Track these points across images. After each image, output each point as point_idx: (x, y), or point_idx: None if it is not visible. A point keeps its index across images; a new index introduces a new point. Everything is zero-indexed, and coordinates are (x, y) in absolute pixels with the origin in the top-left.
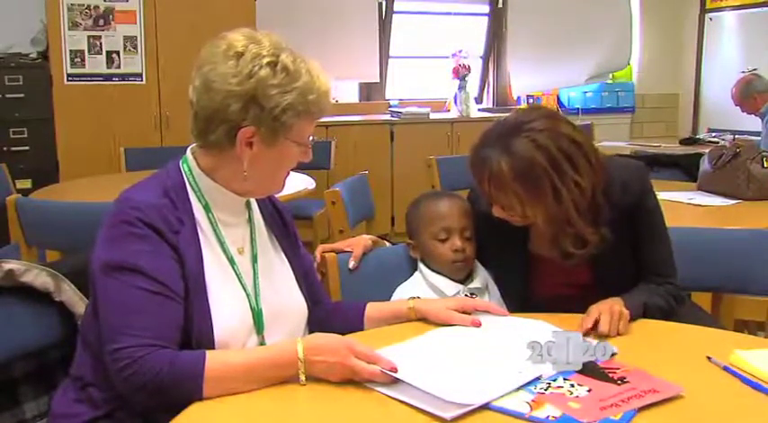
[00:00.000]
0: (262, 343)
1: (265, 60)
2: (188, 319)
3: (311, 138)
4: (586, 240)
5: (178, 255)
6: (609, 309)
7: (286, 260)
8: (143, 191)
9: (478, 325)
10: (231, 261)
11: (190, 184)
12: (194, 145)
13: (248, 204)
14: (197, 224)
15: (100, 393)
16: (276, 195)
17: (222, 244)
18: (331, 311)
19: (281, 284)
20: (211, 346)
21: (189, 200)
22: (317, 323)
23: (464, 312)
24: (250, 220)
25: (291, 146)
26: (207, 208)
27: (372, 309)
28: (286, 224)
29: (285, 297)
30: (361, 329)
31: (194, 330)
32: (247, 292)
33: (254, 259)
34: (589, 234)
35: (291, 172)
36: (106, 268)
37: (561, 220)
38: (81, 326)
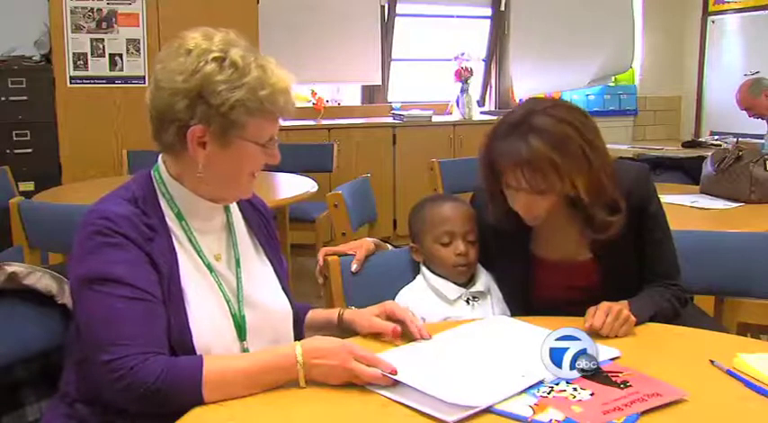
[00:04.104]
0: (245, 350)
1: (212, 56)
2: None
3: (275, 139)
4: (617, 207)
5: (153, 263)
6: (607, 307)
7: (269, 264)
8: (112, 202)
9: (399, 334)
10: (209, 268)
11: (161, 191)
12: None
13: (227, 209)
14: (170, 232)
15: (87, 409)
16: (278, 197)
17: (199, 251)
18: None
19: (265, 289)
20: (191, 354)
21: (160, 208)
22: None
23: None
24: (229, 224)
25: (248, 146)
26: (179, 215)
27: (312, 314)
28: (268, 228)
29: (270, 302)
30: (302, 335)
31: (172, 339)
32: (228, 299)
33: (237, 264)
34: (618, 197)
35: (293, 174)
36: (85, 282)
37: (595, 187)
38: (66, 342)
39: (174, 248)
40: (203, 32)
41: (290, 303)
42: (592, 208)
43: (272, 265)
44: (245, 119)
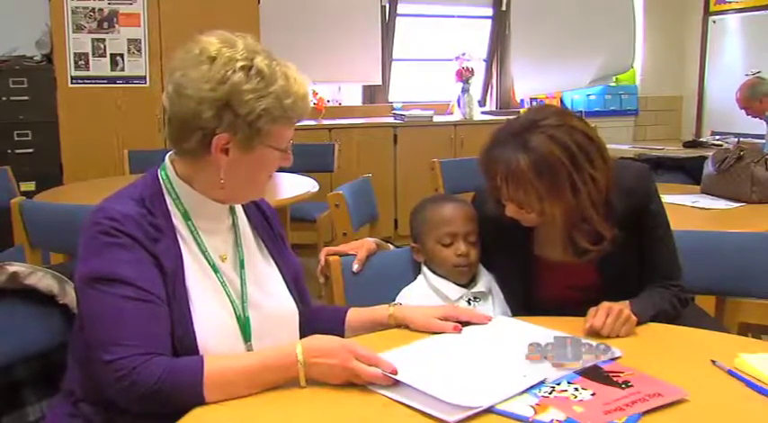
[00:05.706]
0: (250, 351)
1: (239, 64)
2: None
3: (290, 142)
4: (602, 236)
5: (158, 263)
6: (608, 308)
7: (274, 264)
8: (119, 201)
9: (459, 331)
10: (214, 269)
11: (168, 191)
12: (172, 152)
13: (232, 210)
14: (176, 232)
15: (91, 408)
16: (279, 197)
17: (204, 252)
18: (313, 315)
19: (270, 290)
20: (194, 355)
21: (167, 208)
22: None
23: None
24: (234, 226)
25: (270, 151)
26: (186, 216)
27: (353, 315)
28: (272, 228)
29: (275, 303)
30: (342, 336)
31: (176, 339)
32: (232, 300)
33: (241, 265)
34: (605, 229)
35: (294, 174)
36: (89, 281)
37: (577, 215)
38: (70, 340)
39: (179, 248)
40: (222, 38)
41: (300, 303)
42: (570, 232)
43: (278, 265)
44: (269, 127)
